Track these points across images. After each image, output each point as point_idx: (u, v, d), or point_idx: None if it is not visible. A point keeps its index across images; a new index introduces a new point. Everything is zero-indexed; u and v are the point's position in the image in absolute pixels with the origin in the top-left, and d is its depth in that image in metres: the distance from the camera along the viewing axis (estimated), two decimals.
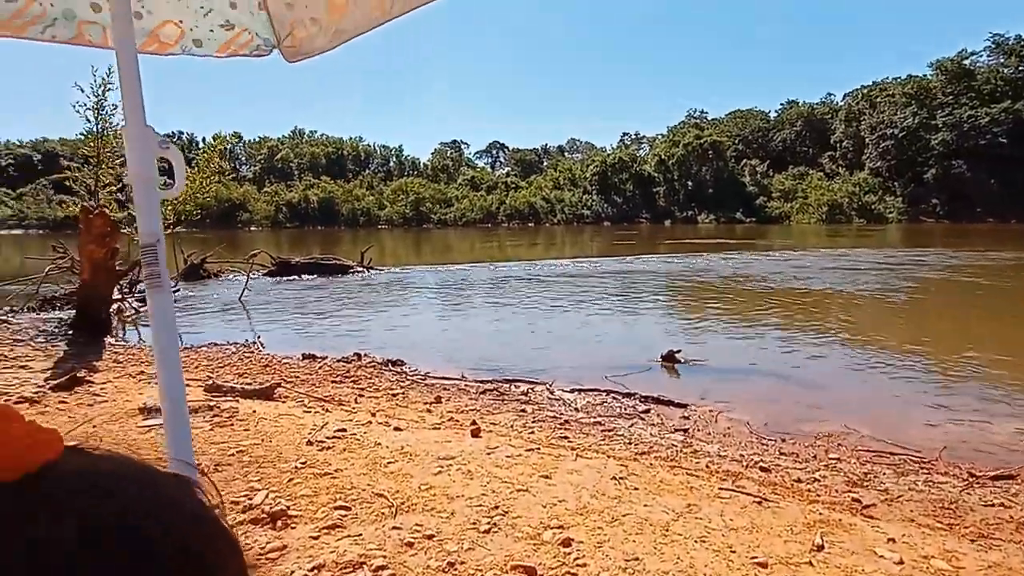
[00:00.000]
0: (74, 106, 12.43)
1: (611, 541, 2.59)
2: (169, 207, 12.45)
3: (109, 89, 12.53)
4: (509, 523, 2.69)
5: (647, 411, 5.18)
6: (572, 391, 5.75)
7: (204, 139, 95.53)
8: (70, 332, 8.16)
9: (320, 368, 6.37)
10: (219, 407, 4.37)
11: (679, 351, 7.15)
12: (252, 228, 68.30)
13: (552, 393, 5.68)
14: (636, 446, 4.20)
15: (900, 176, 64.30)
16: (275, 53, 2.09)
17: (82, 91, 12.34)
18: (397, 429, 4.07)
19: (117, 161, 13.03)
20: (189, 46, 2.00)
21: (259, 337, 8.55)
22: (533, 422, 4.64)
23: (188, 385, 5.36)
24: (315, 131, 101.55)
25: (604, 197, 78.85)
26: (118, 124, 13.03)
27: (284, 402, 4.81)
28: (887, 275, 16.14)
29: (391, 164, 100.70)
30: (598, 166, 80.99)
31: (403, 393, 5.44)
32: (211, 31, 1.97)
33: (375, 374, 6.18)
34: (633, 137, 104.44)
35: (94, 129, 12.93)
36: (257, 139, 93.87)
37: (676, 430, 4.67)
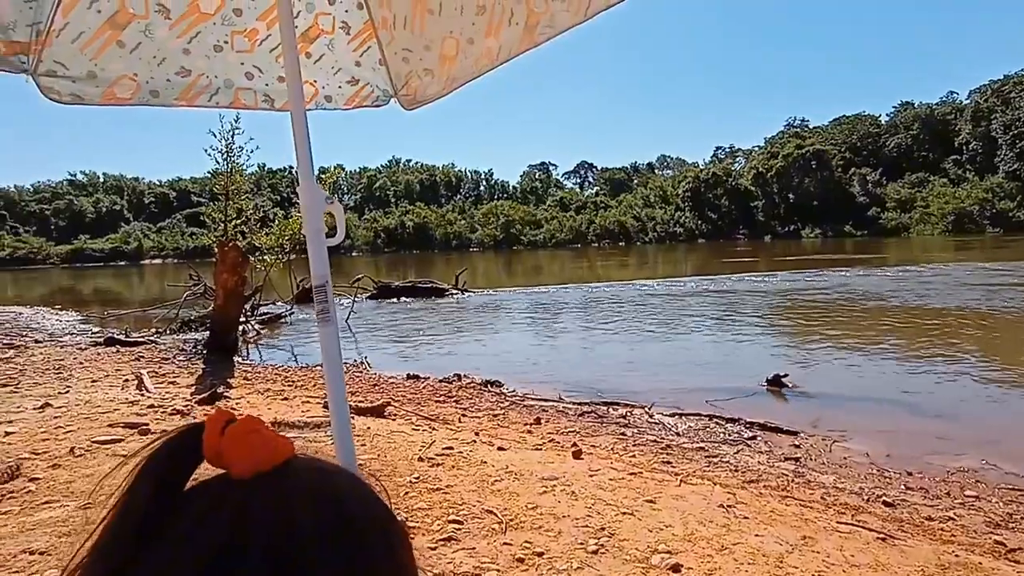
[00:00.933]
0: (206, 150, 13.97)
1: (722, 570, 2.57)
2: (287, 237, 13.57)
3: (237, 133, 13.97)
4: (616, 545, 2.74)
5: (753, 438, 5.02)
6: (672, 415, 5.67)
7: None
8: (204, 352, 9.09)
9: (424, 388, 6.70)
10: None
11: (786, 375, 6.85)
12: (353, 253, 72.43)
13: (651, 417, 5.64)
14: (743, 474, 4.10)
15: None
16: (393, 102, 2.34)
17: (215, 136, 13.84)
18: (501, 448, 4.23)
19: (243, 197, 14.43)
20: (322, 102, 2.28)
21: (366, 357, 9.09)
22: (634, 445, 4.65)
23: (307, 402, 5.85)
24: (410, 159, 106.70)
25: (698, 214, 76.63)
26: (244, 164, 14.47)
27: (394, 420, 5.12)
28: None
29: (481, 188, 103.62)
30: (691, 182, 79.03)
31: (503, 414, 5.61)
32: (339, 88, 2.24)
33: (475, 395, 6.42)
34: (728, 151, 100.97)
35: (222, 169, 14.40)
36: (357, 170, 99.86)
37: (786, 459, 4.49)
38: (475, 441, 4.41)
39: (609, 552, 2.68)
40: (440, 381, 7.13)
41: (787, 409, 6.13)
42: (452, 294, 18.90)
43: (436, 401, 6.03)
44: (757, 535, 2.93)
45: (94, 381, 6.60)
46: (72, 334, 11.54)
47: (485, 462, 3.83)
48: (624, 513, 3.09)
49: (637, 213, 79.74)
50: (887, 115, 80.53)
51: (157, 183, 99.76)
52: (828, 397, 6.50)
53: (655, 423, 5.43)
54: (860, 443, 4.88)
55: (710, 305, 15.00)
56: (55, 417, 4.99)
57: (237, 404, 5.59)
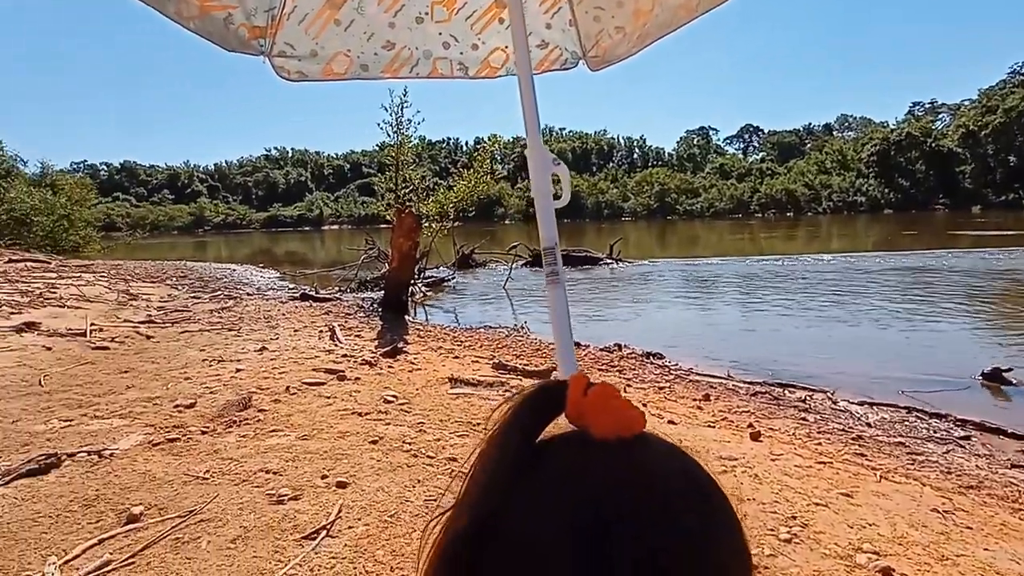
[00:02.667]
0: (379, 124, 15.10)
1: None
2: (451, 204, 14.34)
3: (406, 106, 14.90)
4: (811, 537, 2.58)
5: (967, 438, 4.40)
6: (860, 403, 5.17)
7: (466, 142, 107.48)
8: (379, 310, 9.98)
9: (585, 356, 6.78)
10: (508, 384, 4.97)
11: (1008, 369, 5.86)
12: (506, 221, 74.55)
13: (835, 403, 5.18)
14: (959, 477, 3.62)
15: None
16: (581, 64, 2.30)
17: (386, 110, 14.90)
18: (671, 423, 4.17)
19: (410, 167, 15.43)
20: (512, 68, 2.31)
21: (525, 322, 9.39)
22: (818, 432, 4.31)
23: (477, 361, 6.19)
24: (563, 127, 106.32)
25: (884, 180, 67.45)
26: (411, 136, 15.41)
27: None
28: None
29: (635, 155, 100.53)
30: (877, 144, 69.57)
31: (669, 387, 5.50)
32: (530, 52, 2.26)
33: (638, 366, 6.36)
34: (927, 107, 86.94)
35: (392, 142, 15.48)
36: (512, 139, 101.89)
37: (1014, 466, 3.88)
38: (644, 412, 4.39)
39: (804, 543, 2.53)
40: (601, 350, 7.16)
41: (1011, 409, 5.26)
42: (606, 263, 18.76)
43: (599, 369, 6.08)
44: (986, 549, 2.59)
45: (296, 331, 7.57)
46: (273, 289, 13.30)
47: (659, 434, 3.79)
48: (817, 504, 2.89)
49: (809, 180, 72.24)
50: None
51: (334, 156, 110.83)
52: None
53: (840, 410, 4.99)
54: None
55: (899, 284, 13.18)
56: (271, 359, 5.82)
57: (415, 359, 6.08)
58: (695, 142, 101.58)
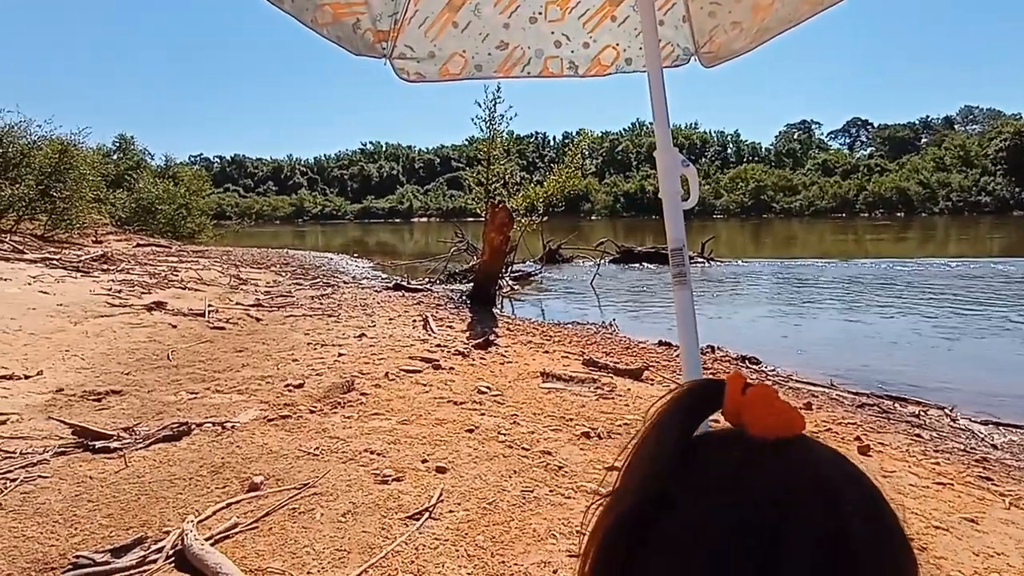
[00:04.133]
0: (472, 119, 15.44)
1: None
2: (540, 199, 14.44)
3: (499, 102, 15.14)
4: (931, 562, 2.42)
5: None
6: (984, 423, 4.74)
7: (554, 137, 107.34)
8: (468, 302, 10.21)
9: (677, 356, 6.61)
10: (599, 381, 4.96)
11: None
12: (593, 217, 73.85)
13: (955, 420, 4.78)
14: None
15: None
16: (693, 61, 2.25)
17: (479, 105, 15.21)
18: None
19: (503, 161, 15.65)
20: (622, 65, 2.28)
21: (614, 320, 9.31)
22: (935, 451, 4.00)
23: (566, 357, 6.22)
24: (651, 121, 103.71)
25: (1015, 179, 60.75)
26: (504, 130, 15.63)
27: (652, 384, 5.20)
28: None
29: (728, 151, 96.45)
30: (1007, 139, 62.74)
31: None
32: (640, 49, 2.22)
33: (732, 369, 6.14)
34: None
35: (484, 137, 15.77)
36: (600, 134, 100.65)
37: None
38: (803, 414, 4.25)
39: (923, 567, 2.35)
40: None
41: None
42: (697, 262, 18.19)
43: None
44: None
45: (391, 319, 7.90)
46: (368, 278, 13.95)
47: None
48: (936, 527, 2.70)
49: (925, 178, 66.35)
50: None
51: (424, 150, 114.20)
52: None
53: (960, 428, 4.60)
54: None
55: None
56: (370, 346, 6.13)
57: (506, 352, 6.20)
58: (795, 137, 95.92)
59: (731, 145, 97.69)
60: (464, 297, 10.57)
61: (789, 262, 18.99)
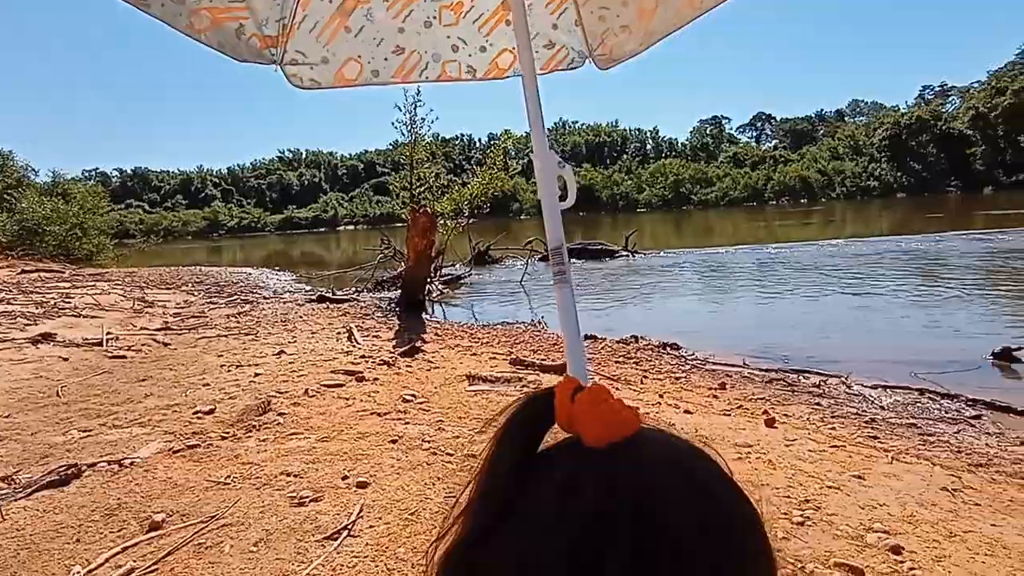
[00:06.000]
0: (392, 123, 15.25)
1: (952, 558, 2.33)
2: (465, 201, 14.42)
3: (419, 105, 15.02)
4: (824, 519, 2.60)
5: (977, 417, 4.39)
6: (874, 387, 5.14)
7: (479, 139, 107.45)
8: (397, 309, 10.05)
9: (602, 348, 6.80)
10: (525, 379, 5.01)
11: (1019, 348, 5.83)
12: (522, 216, 74.31)
13: (849, 387, 5.16)
14: (968, 456, 3.61)
15: None
16: (588, 63, 2.32)
17: (400, 109, 15.03)
18: (687, 412, 4.19)
19: (424, 165, 15.52)
20: (519, 68, 2.34)
21: (542, 317, 9.42)
22: (832, 417, 4.31)
23: (494, 358, 6.24)
24: (575, 120, 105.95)
25: (897, 164, 66.53)
26: (425, 135, 15.51)
27: None
28: None
29: (647, 147, 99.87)
30: (889, 129, 68.55)
31: (685, 377, 5.52)
32: (536, 52, 2.26)
33: (655, 356, 6.37)
34: (936, 90, 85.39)
35: (406, 140, 15.59)
36: (524, 134, 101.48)
37: (1023, 443, 3.87)
38: (660, 403, 4.42)
39: (816, 525, 2.55)
40: (617, 342, 7.17)
41: (1021, 387, 5.24)
42: (622, 255, 18.72)
43: (616, 362, 6.09)
44: (994, 525, 2.60)
45: (313, 333, 7.66)
46: (290, 291, 13.44)
47: (673, 424, 3.82)
48: (830, 487, 2.91)
49: (823, 166, 71.37)
50: None
51: (347, 156, 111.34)
52: None
53: (854, 394, 4.97)
54: None
55: (912, 267, 13.08)
56: (289, 363, 5.92)
57: (433, 358, 6.15)
58: (708, 131, 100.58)
59: (650, 141, 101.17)
60: (393, 304, 10.40)
61: (708, 251, 19.86)
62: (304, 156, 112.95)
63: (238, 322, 8.54)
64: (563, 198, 1.56)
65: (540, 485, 0.39)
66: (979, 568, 2.26)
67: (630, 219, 46.97)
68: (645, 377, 5.44)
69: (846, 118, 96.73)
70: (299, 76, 2.04)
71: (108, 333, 7.16)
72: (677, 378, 5.45)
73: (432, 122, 15.31)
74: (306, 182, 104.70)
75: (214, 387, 4.99)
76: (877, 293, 10.22)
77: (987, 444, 3.88)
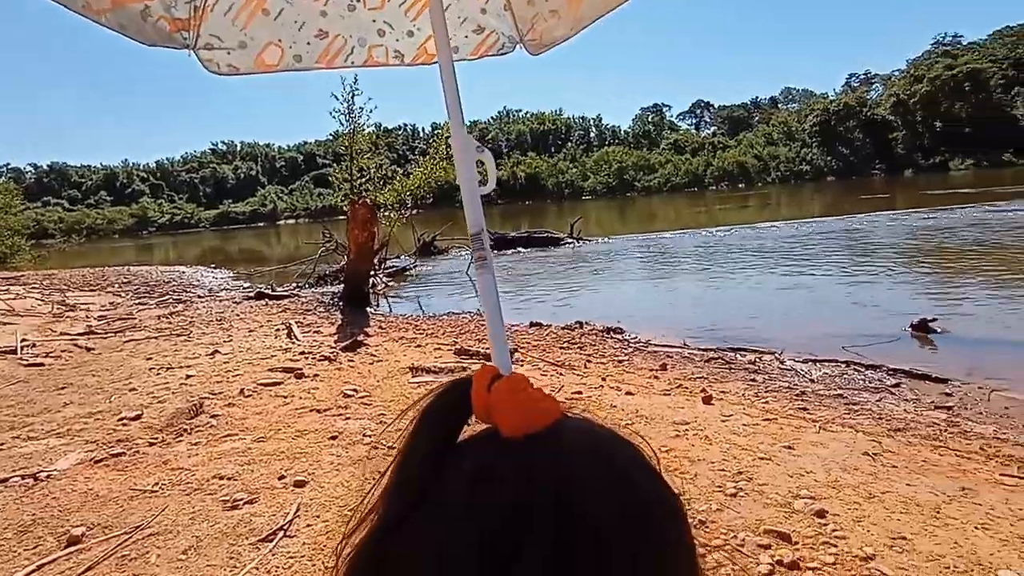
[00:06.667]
0: (330, 113, 14.75)
1: (871, 517, 2.46)
2: (408, 192, 14.17)
3: (356, 94, 14.58)
4: (755, 489, 2.70)
5: (897, 385, 4.67)
6: (805, 361, 5.38)
7: (423, 128, 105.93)
8: (340, 303, 9.82)
9: (547, 335, 6.84)
10: (470, 369, 4.99)
11: (934, 319, 6.24)
12: None
13: (783, 363, 5.38)
14: (888, 422, 3.84)
15: None
16: (518, 48, 2.30)
17: (337, 98, 14.56)
18: (628, 393, 4.26)
19: (365, 156, 15.14)
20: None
21: None
22: (766, 392, 4.48)
23: (439, 348, 6.18)
24: (519, 109, 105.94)
25: (827, 149, 69.77)
26: (364, 124, 15.10)
27: (522, 365, 5.31)
28: None
29: (591, 135, 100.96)
30: (818, 115, 71.76)
31: (628, 360, 5.62)
32: (466, 37, 2.23)
33: (599, 341, 6.45)
34: (862, 78, 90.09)
35: (345, 131, 15.14)
36: (469, 123, 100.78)
37: (937, 407, 4.14)
38: (602, 386, 4.48)
39: (748, 495, 2.65)
40: (562, 328, 7.24)
41: (936, 356, 5.60)
42: (567, 243, 18.90)
43: (560, 348, 6.14)
44: (908, 484, 2.76)
45: (251, 331, 7.40)
46: (227, 289, 12.93)
47: (615, 406, 3.89)
48: (761, 458, 3.02)
49: (759, 152, 74.05)
50: None
51: (286, 148, 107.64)
52: (984, 343, 5.87)
53: (787, 369, 5.19)
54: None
55: (841, 247, 13.82)
56: (224, 362, 5.69)
57: (376, 351, 6.04)
58: (649, 119, 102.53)
59: (594, 129, 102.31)
60: (336, 299, 10.16)
61: (652, 236, 20.31)
62: (239, 148, 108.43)
63: (169, 323, 8.16)
64: (483, 183, 1.53)
65: (452, 473, 0.39)
66: (895, 525, 2.40)
67: (576, 206, 47.45)
68: (589, 361, 5.51)
69: (779, 105, 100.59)
70: (215, 61, 1.92)
71: (23, 340, 6.69)
72: (620, 361, 5.54)
73: (371, 111, 14.92)
74: (242, 175, 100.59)
75: (142, 391, 4.74)
76: (810, 273, 10.70)
77: (905, 410, 4.13)
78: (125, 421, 4.00)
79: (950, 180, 43.71)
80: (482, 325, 7.69)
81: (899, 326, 6.41)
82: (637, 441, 0.42)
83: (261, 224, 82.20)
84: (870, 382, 4.80)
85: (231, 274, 17.20)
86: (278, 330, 7.35)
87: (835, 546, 2.24)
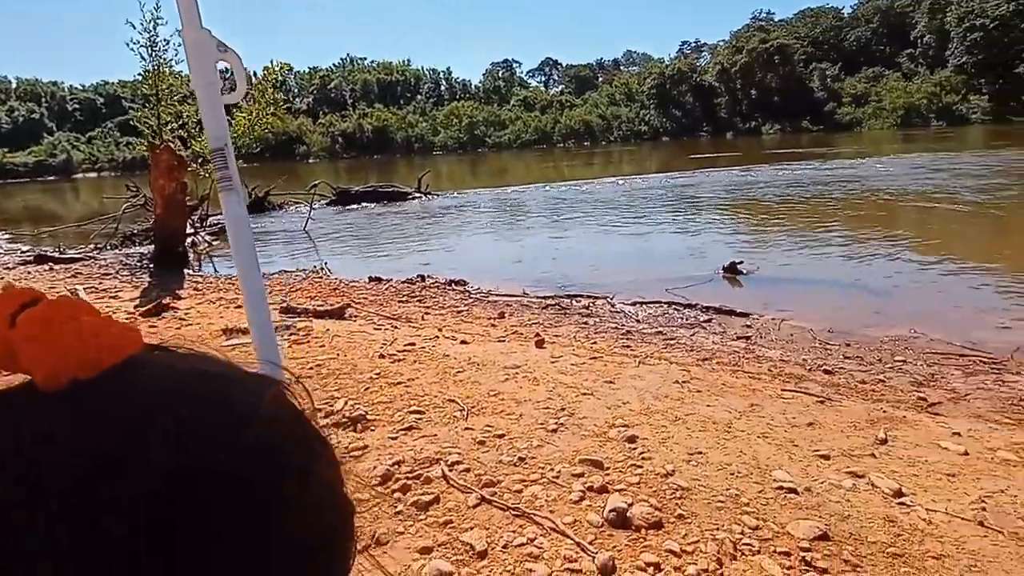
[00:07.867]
0: (128, 44, 12.59)
1: (675, 437, 2.66)
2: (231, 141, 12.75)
3: (160, 24, 12.58)
4: (575, 423, 2.79)
5: (708, 321, 5.18)
6: (633, 304, 5.77)
7: (255, 72, 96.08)
8: (151, 265, 8.68)
9: (387, 290, 6.60)
10: (295, 327, 4.63)
11: (741, 262, 7.02)
12: (310, 160, 69.15)
13: (613, 306, 5.71)
14: (698, 353, 4.22)
15: (988, 72, 57.16)
16: None
17: (134, 27, 12.45)
18: (463, 342, 4.23)
19: (175, 99, 13.27)
20: None
21: (326, 264, 8.87)
22: (595, 333, 4.71)
23: None
24: (364, 58, 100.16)
25: (663, 111, 75.10)
26: (171, 60, 13.13)
27: (355, 321, 5.05)
28: (963, 180, 14.87)
29: (441, 88, 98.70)
30: (655, 79, 76.66)
31: (467, 310, 5.60)
32: None
33: (439, 294, 6.37)
34: (693, 45, 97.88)
35: (149, 68, 13.10)
36: (308, 70, 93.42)
37: (738, 337, 4.66)
38: (438, 337, 4.40)
39: (568, 429, 2.73)
40: (403, 282, 7.04)
41: (741, 293, 6.33)
42: (415, 197, 18.44)
43: (399, 301, 5.96)
44: (708, 405, 3.03)
45: None
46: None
47: (447, 355, 3.82)
48: (584, 394, 3.14)
49: (603, 112, 77.59)
50: (851, 7, 78.78)
51: (80, 88, 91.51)
52: (779, 281, 6.74)
53: (617, 312, 5.51)
54: (806, 320, 5.12)
55: (673, 201, 15.11)
56: None
57: (187, 315, 5.39)
58: (500, 75, 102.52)
59: (444, 82, 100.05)
60: (145, 260, 8.96)
61: (502, 190, 20.54)
62: (15, 86, 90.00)
63: None
64: (230, 90, 1.28)
65: None
66: (693, 443, 2.62)
67: (425, 161, 46.51)
68: (427, 314, 5.41)
69: (621, 67, 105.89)
70: None
71: None
72: (459, 312, 5.51)
73: (179, 46, 12.97)
74: (20, 119, 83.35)
75: None
76: (644, 223, 11.60)
77: (713, 342, 4.59)
78: None
79: (762, 143, 49.68)
80: (316, 283, 7.24)
81: (714, 269, 7.13)
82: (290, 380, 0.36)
83: (52, 178, 69.60)
84: (687, 319, 5.27)
85: (6, 236, 14.49)
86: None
87: (640, 467, 2.38)
